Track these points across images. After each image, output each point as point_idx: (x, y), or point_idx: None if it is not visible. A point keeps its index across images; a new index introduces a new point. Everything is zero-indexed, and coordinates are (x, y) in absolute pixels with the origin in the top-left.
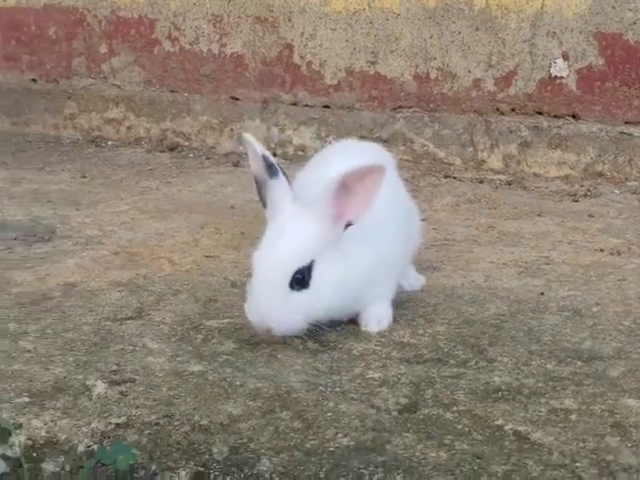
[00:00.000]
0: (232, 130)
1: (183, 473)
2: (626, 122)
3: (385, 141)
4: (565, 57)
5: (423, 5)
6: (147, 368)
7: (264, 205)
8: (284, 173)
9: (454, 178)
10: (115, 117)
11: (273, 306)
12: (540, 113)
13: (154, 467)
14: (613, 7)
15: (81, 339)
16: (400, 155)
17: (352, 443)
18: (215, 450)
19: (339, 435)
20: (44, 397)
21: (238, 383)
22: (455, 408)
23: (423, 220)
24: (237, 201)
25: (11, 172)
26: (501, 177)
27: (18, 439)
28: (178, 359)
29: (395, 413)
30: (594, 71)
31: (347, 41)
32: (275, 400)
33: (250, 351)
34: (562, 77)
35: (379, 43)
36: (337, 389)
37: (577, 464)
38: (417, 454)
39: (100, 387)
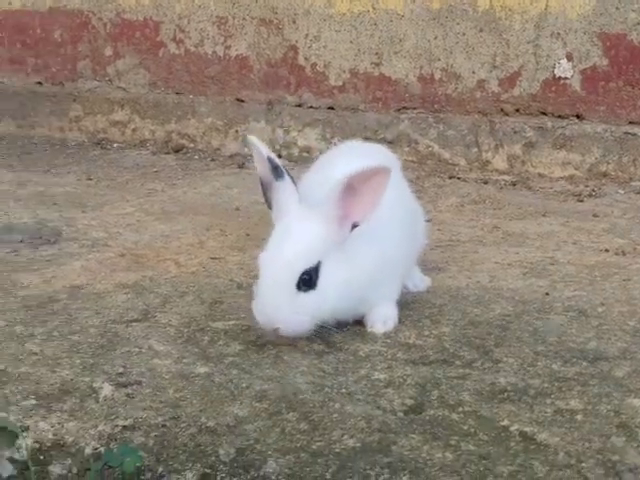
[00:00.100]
0: (237, 132)
1: (190, 475)
2: (630, 122)
3: (390, 142)
4: (569, 58)
5: (427, 6)
6: (153, 370)
7: (270, 207)
8: (289, 175)
9: (459, 179)
10: (120, 119)
11: (280, 307)
12: (544, 114)
13: (161, 469)
14: (617, 8)
15: (87, 341)
16: (405, 156)
17: (358, 444)
18: (222, 452)
19: (345, 436)
20: (51, 400)
21: (244, 385)
22: (461, 409)
23: (428, 221)
24: (242, 203)
25: (17, 175)
26: (506, 178)
27: (25, 442)
28: (184, 361)
29: (401, 414)
30: (598, 71)
31: (351, 42)
32: (281, 402)
33: (256, 353)
34: (566, 78)
35: (383, 44)
36: (343, 390)
37: (583, 464)
38: (423, 455)
39: (107, 389)
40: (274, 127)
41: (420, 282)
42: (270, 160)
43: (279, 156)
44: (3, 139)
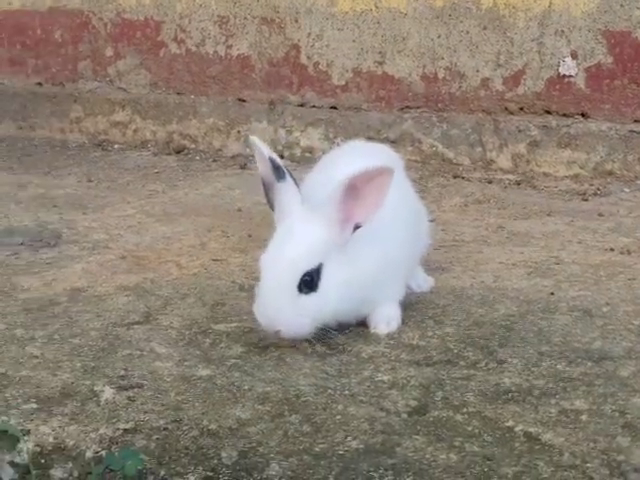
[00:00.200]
0: (239, 132)
1: (192, 478)
2: (635, 120)
3: (393, 142)
4: (574, 56)
5: (430, 5)
6: (155, 373)
7: (272, 208)
8: (291, 176)
9: (463, 178)
10: (121, 120)
11: (281, 309)
12: (549, 112)
13: (163, 472)
14: (621, 5)
15: (88, 344)
16: (408, 155)
17: (361, 446)
18: (224, 455)
19: (348, 438)
20: (52, 403)
21: (246, 387)
22: (465, 410)
23: (431, 221)
24: (244, 204)
25: (17, 177)
26: (510, 177)
27: (26, 445)
28: (186, 363)
29: (405, 415)
30: (603, 69)
31: (354, 41)
32: (284, 404)
33: (258, 355)
34: (571, 76)
35: (386, 43)
36: (346, 392)
37: (588, 465)
38: (427, 456)
39: (108, 392)
40: (276, 127)
41: (423, 282)
42: (272, 161)
43: (281, 156)
44: (3, 141)
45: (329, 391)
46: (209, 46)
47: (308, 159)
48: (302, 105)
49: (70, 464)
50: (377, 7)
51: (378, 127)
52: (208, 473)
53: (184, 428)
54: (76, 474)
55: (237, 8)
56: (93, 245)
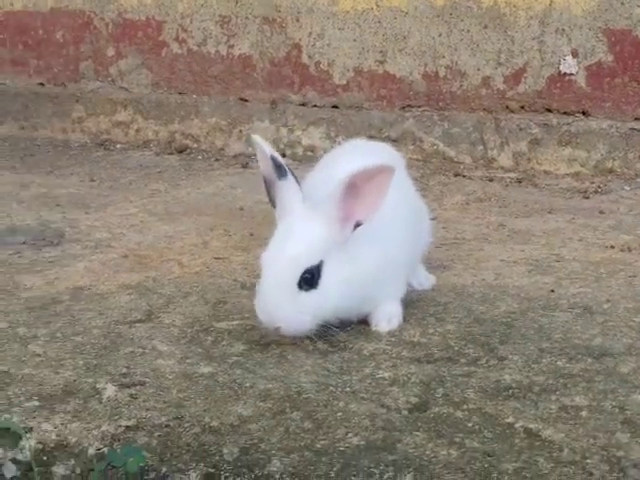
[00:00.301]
0: (241, 131)
1: (193, 475)
2: (636, 118)
3: (394, 140)
4: (574, 54)
5: (431, 3)
6: (157, 370)
7: (273, 206)
8: (293, 174)
9: (464, 177)
10: (123, 120)
11: (281, 306)
12: (550, 110)
13: (164, 469)
14: (622, 3)
15: (91, 342)
16: (409, 154)
17: (362, 442)
18: (225, 451)
19: (349, 435)
20: (54, 401)
21: (248, 384)
22: (465, 406)
23: (433, 219)
24: (246, 203)
25: (20, 176)
26: (511, 175)
27: (28, 443)
28: (188, 361)
29: (405, 412)
30: (603, 67)
31: (355, 40)
32: (285, 401)
33: (260, 352)
34: (571, 74)
35: (387, 42)
36: (347, 389)
37: (588, 461)
38: (427, 452)
39: (110, 390)
40: (278, 126)
41: (425, 280)
42: (273, 159)
43: (283, 155)
44: (6, 141)
45: (330, 388)
46: (211, 46)
47: (310, 158)
48: (304, 104)
49: (72, 461)
50: (378, 6)
51: (379, 126)
52: (210, 470)
53: (186, 425)
54: (78, 471)
55: (238, 8)
56: (95, 244)
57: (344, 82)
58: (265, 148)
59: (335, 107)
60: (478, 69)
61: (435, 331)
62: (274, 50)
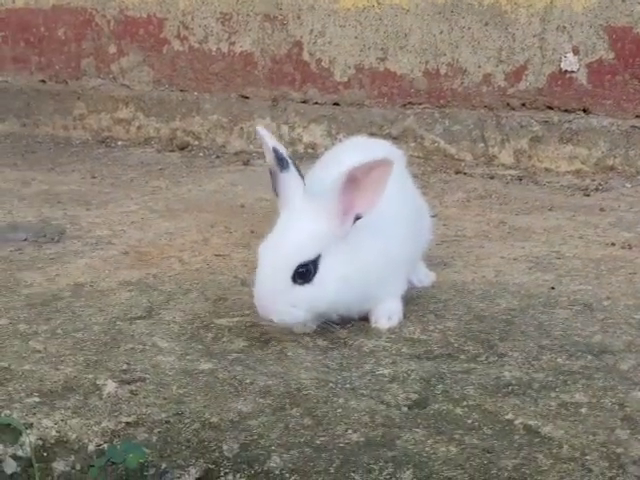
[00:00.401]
0: (242, 129)
1: (193, 471)
2: (637, 116)
3: (395, 138)
4: (575, 51)
5: (432, 1)
6: (157, 367)
7: (277, 196)
8: (296, 167)
9: (465, 174)
10: (125, 117)
11: (275, 299)
12: (551, 108)
13: (164, 465)
14: (623, 0)
15: (91, 339)
16: (410, 151)
17: (362, 439)
18: (225, 447)
19: (349, 431)
20: (54, 397)
21: (248, 381)
22: (465, 403)
23: (434, 216)
24: (247, 200)
25: (21, 173)
26: (512, 172)
27: (28, 439)
28: (188, 357)
29: (405, 409)
30: (604, 65)
31: (356, 38)
32: (285, 397)
33: (260, 349)
34: (572, 71)
35: (388, 39)
36: (347, 386)
37: (587, 457)
38: (427, 449)
39: (110, 386)
40: (279, 124)
41: (425, 277)
42: (275, 151)
43: None
44: (7, 138)
45: (330, 385)
46: (212, 43)
47: (311, 155)
48: (305, 102)
49: (72, 457)
50: (379, 3)
51: (380, 123)
52: (209, 466)
53: (186, 421)
54: (78, 467)
55: (240, 5)
56: (96, 241)
57: (345, 79)
58: (268, 140)
59: (336, 104)
60: (479, 66)
61: (435, 328)
62: (275, 47)
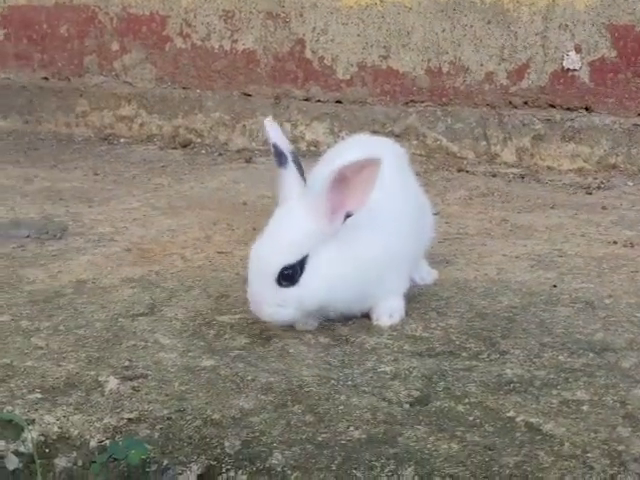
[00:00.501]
0: (244, 126)
1: (195, 467)
2: (639, 114)
3: (397, 136)
4: (577, 49)
5: None
6: (159, 363)
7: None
8: (297, 163)
9: (467, 172)
10: (127, 114)
11: (263, 300)
12: (553, 106)
13: (166, 461)
14: None
15: (93, 335)
16: (413, 149)
17: (364, 436)
18: (227, 444)
19: (351, 428)
20: (56, 393)
21: (250, 378)
22: (467, 400)
23: (436, 214)
24: (249, 197)
25: (24, 170)
26: (514, 170)
27: (31, 435)
28: (190, 354)
29: (407, 406)
30: (607, 63)
31: (359, 36)
32: (287, 394)
33: (262, 346)
34: (575, 70)
35: (391, 37)
36: (349, 383)
37: (588, 455)
38: (429, 446)
39: (112, 383)
40: (282, 121)
41: (427, 275)
42: (275, 147)
43: None
44: (10, 135)
45: (332, 382)
46: (214, 40)
47: (313, 153)
48: (307, 99)
49: (74, 453)
50: (382, 1)
51: (383, 121)
52: (211, 462)
53: (188, 418)
54: (80, 463)
55: (242, 3)
56: (99, 238)
57: (348, 77)
58: (270, 135)
59: (339, 102)
60: (481, 64)
61: (437, 325)
62: (278, 45)
